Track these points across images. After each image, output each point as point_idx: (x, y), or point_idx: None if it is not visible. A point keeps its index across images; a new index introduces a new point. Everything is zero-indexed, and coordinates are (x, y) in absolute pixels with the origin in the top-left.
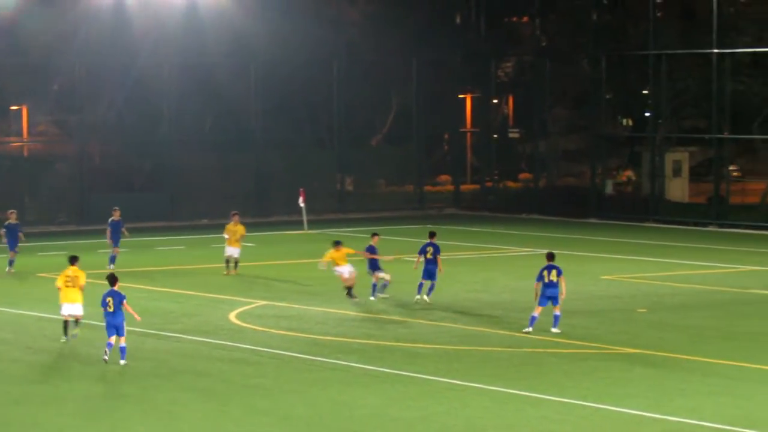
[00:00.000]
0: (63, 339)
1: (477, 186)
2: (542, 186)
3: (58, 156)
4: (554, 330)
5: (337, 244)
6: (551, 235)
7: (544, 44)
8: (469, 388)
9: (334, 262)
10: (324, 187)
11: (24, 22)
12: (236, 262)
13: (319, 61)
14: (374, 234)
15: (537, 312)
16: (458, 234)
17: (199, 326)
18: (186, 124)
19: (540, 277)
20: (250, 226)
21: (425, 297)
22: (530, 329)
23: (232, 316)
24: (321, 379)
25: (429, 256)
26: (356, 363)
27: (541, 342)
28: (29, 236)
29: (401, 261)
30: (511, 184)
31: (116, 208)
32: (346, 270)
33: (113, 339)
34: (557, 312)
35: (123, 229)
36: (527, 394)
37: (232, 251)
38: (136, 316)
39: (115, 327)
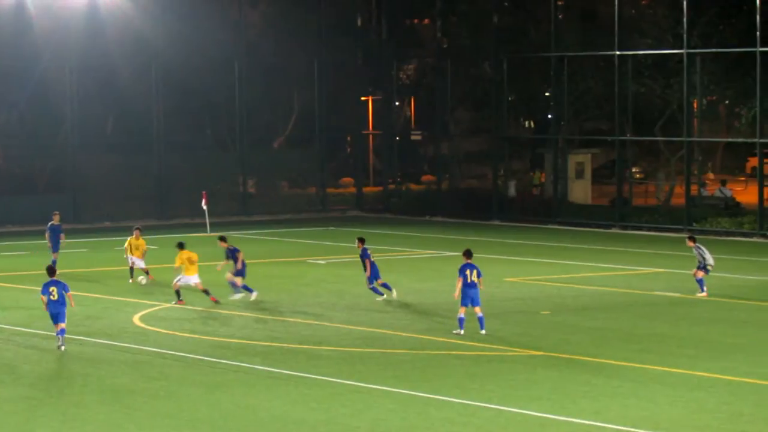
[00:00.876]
0: None
1: (380, 188)
2: (445, 188)
3: None
4: (482, 332)
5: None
6: (454, 238)
7: (445, 46)
8: (372, 390)
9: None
10: (226, 190)
11: None
12: (147, 271)
13: (221, 63)
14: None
15: (462, 312)
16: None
17: (103, 329)
18: (88, 125)
19: (462, 275)
20: (152, 229)
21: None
22: (461, 331)
23: (135, 319)
24: (225, 381)
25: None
26: (260, 365)
27: (444, 344)
28: None
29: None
30: (413, 186)
31: (56, 212)
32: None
33: (60, 325)
34: (480, 313)
35: (62, 235)
36: (431, 396)
37: (138, 262)
38: (72, 303)
39: (57, 314)
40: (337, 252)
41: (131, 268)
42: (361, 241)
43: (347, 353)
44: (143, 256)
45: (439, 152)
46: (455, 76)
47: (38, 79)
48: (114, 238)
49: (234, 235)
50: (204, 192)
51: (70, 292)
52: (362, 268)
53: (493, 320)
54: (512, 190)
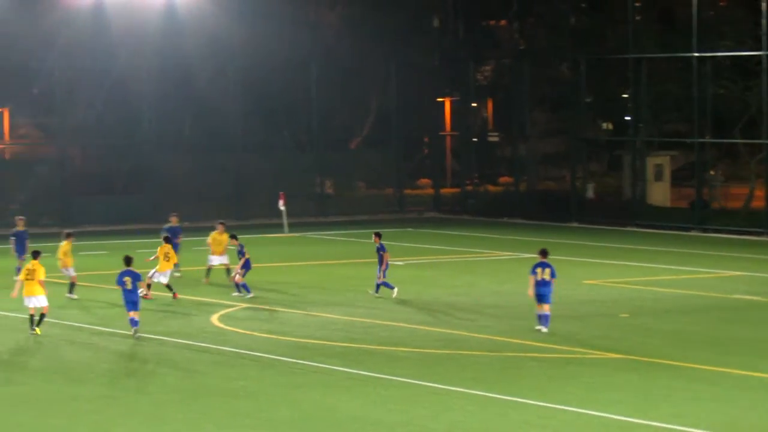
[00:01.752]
0: (36, 331)
1: (457, 189)
2: (522, 190)
3: (40, 158)
4: (543, 329)
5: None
6: (532, 239)
7: (522, 47)
8: (451, 392)
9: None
10: (303, 190)
11: (4, 26)
12: (227, 269)
13: (298, 64)
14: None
15: (539, 309)
16: (438, 238)
17: (182, 329)
18: (165, 126)
19: (533, 272)
20: (229, 229)
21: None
22: (542, 328)
23: (214, 319)
24: (303, 382)
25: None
26: (338, 366)
27: (522, 346)
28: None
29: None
30: (491, 187)
31: (21, 217)
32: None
33: (133, 313)
34: (547, 312)
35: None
36: (509, 398)
37: (220, 259)
38: (149, 294)
39: (133, 303)
40: (415, 253)
41: (209, 269)
42: (378, 235)
43: (425, 355)
44: (225, 251)
45: (517, 153)
46: (533, 78)
47: (116, 79)
48: (191, 239)
49: (310, 236)
50: (282, 192)
51: (143, 282)
52: (380, 263)
53: (573, 322)
54: (590, 192)
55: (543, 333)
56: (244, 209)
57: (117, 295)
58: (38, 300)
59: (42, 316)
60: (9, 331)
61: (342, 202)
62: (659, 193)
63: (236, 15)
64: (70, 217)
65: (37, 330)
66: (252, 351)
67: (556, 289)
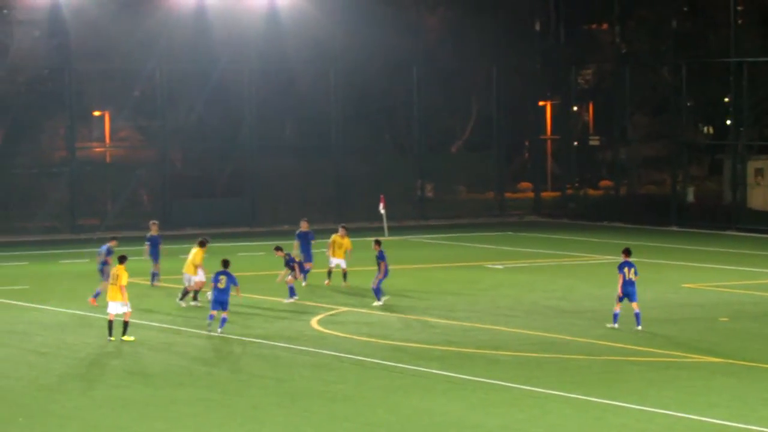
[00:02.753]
0: (111, 338)
1: (558, 193)
2: (623, 193)
3: (140, 161)
4: (638, 328)
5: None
6: (632, 243)
7: (624, 51)
8: (550, 396)
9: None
10: (404, 194)
11: (106, 28)
12: (344, 273)
13: (399, 67)
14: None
15: (617, 308)
16: (539, 241)
17: (281, 332)
18: (266, 129)
19: (621, 272)
20: (330, 232)
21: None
22: (615, 325)
23: (314, 323)
24: (402, 385)
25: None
26: (437, 370)
27: (621, 350)
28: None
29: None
30: (591, 191)
31: (155, 221)
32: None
33: (215, 312)
34: (637, 309)
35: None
36: (608, 402)
37: (339, 261)
38: (240, 294)
39: (221, 303)
40: (515, 257)
41: (330, 271)
42: (378, 243)
43: (524, 358)
44: (347, 256)
45: (618, 157)
46: (633, 81)
47: (217, 81)
48: (292, 241)
49: (411, 240)
50: (382, 196)
51: (239, 287)
52: (378, 270)
53: (671, 326)
54: (691, 196)
55: (639, 332)
56: (344, 212)
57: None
58: (117, 306)
59: (125, 324)
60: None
61: (442, 206)
62: (760, 197)
63: (338, 18)
64: (170, 219)
65: (125, 338)
66: (351, 354)
67: (655, 294)
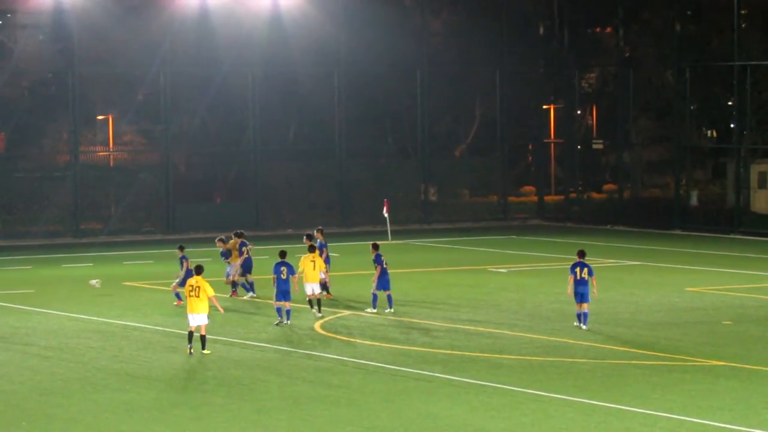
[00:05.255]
0: (191, 350)
1: (561, 197)
2: (626, 197)
3: (144, 165)
4: (584, 328)
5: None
6: (636, 246)
7: (627, 55)
8: (553, 399)
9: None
10: (407, 197)
11: (110, 32)
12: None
13: (403, 71)
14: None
15: (578, 308)
16: (542, 245)
17: (285, 336)
18: (270, 133)
19: (572, 272)
20: (333, 236)
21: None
22: (581, 325)
23: (317, 326)
24: (405, 389)
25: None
26: (440, 374)
27: (624, 354)
28: (117, 245)
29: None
30: (595, 194)
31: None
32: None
33: (281, 303)
34: (586, 310)
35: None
36: (611, 405)
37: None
38: (296, 288)
39: (284, 292)
40: (519, 260)
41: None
42: (375, 247)
43: (528, 362)
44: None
45: (621, 161)
46: (637, 85)
47: (221, 85)
48: (295, 245)
49: (415, 243)
50: (386, 200)
51: (295, 276)
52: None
53: (675, 329)
54: (694, 200)
55: (583, 331)
56: (348, 216)
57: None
58: (200, 318)
59: (203, 338)
60: (114, 339)
61: (446, 209)
62: (763, 201)
63: (341, 22)
64: (174, 224)
65: (205, 351)
66: (354, 358)
67: (659, 297)
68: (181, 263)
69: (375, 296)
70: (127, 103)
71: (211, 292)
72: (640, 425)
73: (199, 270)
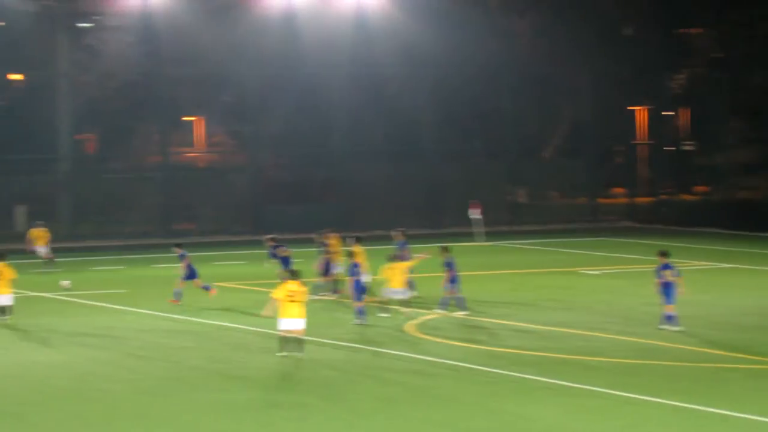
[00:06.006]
0: (282, 354)
1: (651, 198)
2: (718, 199)
3: (233, 166)
4: (672, 329)
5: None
6: (728, 249)
7: (718, 55)
8: (648, 403)
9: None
10: (496, 199)
11: (197, 34)
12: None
13: (490, 72)
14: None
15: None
16: (633, 247)
17: (377, 337)
18: (358, 134)
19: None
20: (423, 238)
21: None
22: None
23: (409, 327)
24: (498, 391)
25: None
26: (534, 375)
27: (719, 357)
28: (206, 246)
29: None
30: (685, 196)
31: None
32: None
33: (359, 303)
34: (670, 312)
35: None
36: (708, 409)
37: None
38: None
39: (361, 291)
40: (610, 262)
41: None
42: (445, 249)
43: (621, 365)
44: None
45: (713, 162)
46: (728, 86)
47: (308, 87)
48: (384, 247)
49: (503, 245)
50: (474, 201)
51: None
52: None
53: None
54: None
55: (676, 334)
56: (437, 218)
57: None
58: (296, 323)
59: (299, 340)
60: (208, 339)
61: (535, 211)
62: None
63: (428, 23)
64: (263, 224)
65: (291, 354)
66: (447, 359)
67: (755, 300)
68: (182, 260)
69: (460, 299)
70: (216, 104)
71: (306, 297)
72: (737, 429)
73: (295, 274)
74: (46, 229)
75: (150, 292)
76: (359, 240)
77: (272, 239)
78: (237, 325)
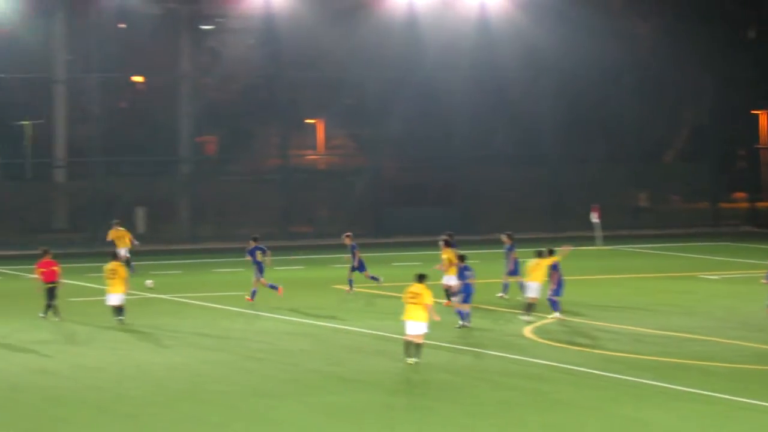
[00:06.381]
0: (410, 360)
1: None
2: None
3: (353, 169)
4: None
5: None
6: None
7: None
8: (766, 409)
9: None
10: (617, 203)
11: (318, 37)
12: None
13: (612, 75)
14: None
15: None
16: (755, 252)
17: (494, 341)
18: (479, 137)
19: None
20: (543, 241)
21: None
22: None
23: (526, 331)
24: (615, 396)
25: None
26: (650, 380)
27: None
28: (326, 248)
29: None
30: None
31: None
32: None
33: (463, 306)
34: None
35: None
36: None
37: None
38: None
39: (469, 295)
40: (731, 267)
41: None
42: (550, 253)
43: (740, 370)
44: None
45: None
46: None
47: (429, 90)
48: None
49: (625, 249)
50: (595, 205)
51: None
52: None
53: None
54: None
55: None
56: (558, 221)
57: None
58: (419, 326)
59: (418, 346)
60: (325, 341)
61: (656, 215)
62: None
63: (550, 26)
64: (381, 227)
65: (412, 360)
66: (564, 364)
67: None
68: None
69: (554, 302)
70: (336, 107)
71: (430, 300)
72: None
73: (421, 278)
74: (125, 229)
75: (269, 295)
76: (448, 243)
77: (254, 239)
78: (353, 328)
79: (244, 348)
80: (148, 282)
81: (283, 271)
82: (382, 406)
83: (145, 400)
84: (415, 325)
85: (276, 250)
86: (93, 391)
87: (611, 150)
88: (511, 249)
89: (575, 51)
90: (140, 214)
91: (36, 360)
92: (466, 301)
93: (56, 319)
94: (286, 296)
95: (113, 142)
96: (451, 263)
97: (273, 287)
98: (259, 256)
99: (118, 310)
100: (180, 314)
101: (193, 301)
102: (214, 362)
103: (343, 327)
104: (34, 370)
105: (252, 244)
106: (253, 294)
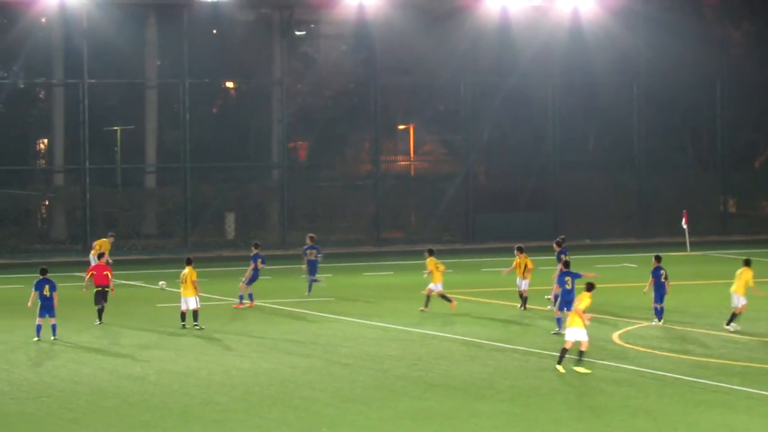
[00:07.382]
0: (581, 370)
1: None
2: None
3: (444, 175)
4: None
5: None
6: None
7: None
8: None
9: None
10: (706, 209)
11: (411, 43)
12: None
13: (702, 81)
14: None
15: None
16: None
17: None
18: (570, 143)
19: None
20: (631, 247)
21: None
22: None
23: (615, 337)
24: (703, 401)
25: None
26: (739, 386)
27: None
28: (417, 254)
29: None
30: None
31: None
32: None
33: (562, 313)
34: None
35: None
36: None
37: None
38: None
39: (568, 303)
40: None
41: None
42: (657, 259)
43: None
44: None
45: None
46: None
47: (520, 95)
48: (593, 256)
49: (714, 255)
50: (685, 211)
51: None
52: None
53: None
54: None
55: None
56: (646, 227)
57: (514, 312)
58: (579, 333)
59: (581, 353)
60: (413, 347)
61: (746, 221)
62: None
63: (642, 32)
64: (473, 233)
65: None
66: (652, 369)
67: None
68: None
69: (657, 309)
70: (428, 112)
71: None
72: None
73: (591, 287)
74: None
75: (358, 300)
76: (431, 252)
77: (255, 246)
78: (442, 333)
79: (332, 353)
80: (161, 283)
81: (372, 276)
82: (467, 412)
83: (232, 406)
84: (575, 332)
85: (365, 256)
86: (180, 397)
87: (701, 156)
88: (563, 252)
89: (666, 57)
90: (230, 219)
91: (123, 365)
92: (561, 308)
93: (97, 323)
94: (373, 301)
95: (204, 148)
96: (526, 268)
97: (242, 299)
98: (259, 263)
99: (194, 314)
100: (269, 320)
101: (282, 308)
102: (302, 368)
103: (432, 333)
104: (121, 375)
105: (254, 251)
106: (241, 298)
